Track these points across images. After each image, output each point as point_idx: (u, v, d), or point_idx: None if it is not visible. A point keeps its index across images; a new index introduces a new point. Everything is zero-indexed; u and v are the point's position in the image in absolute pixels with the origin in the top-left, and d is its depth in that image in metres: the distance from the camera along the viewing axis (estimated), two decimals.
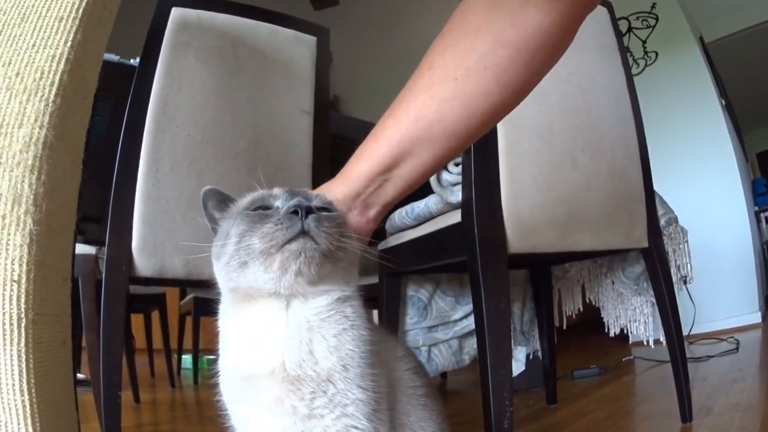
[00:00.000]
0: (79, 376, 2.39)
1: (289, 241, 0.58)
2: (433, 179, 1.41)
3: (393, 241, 1.65)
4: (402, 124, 0.70)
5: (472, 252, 1.10)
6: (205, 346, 3.49)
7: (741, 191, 3.90)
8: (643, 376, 2.53)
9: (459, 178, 1.29)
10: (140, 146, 1.15)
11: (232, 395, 0.65)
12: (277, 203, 0.63)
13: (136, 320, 3.12)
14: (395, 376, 0.71)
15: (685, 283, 2.07)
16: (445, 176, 1.40)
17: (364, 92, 6.55)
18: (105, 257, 1.10)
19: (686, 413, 1.45)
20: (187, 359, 3.70)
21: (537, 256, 1.23)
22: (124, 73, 1.18)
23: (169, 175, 1.18)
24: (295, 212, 0.58)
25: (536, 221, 1.19)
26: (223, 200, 0.68)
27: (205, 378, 3.44)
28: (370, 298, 2.62)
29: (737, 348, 2.64)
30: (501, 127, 1.18)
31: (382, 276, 1.79)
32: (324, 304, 0.61)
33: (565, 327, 2.11)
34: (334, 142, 1.61)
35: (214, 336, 0.66)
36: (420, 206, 1.51)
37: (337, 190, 0.71)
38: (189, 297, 3.10)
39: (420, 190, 1.45)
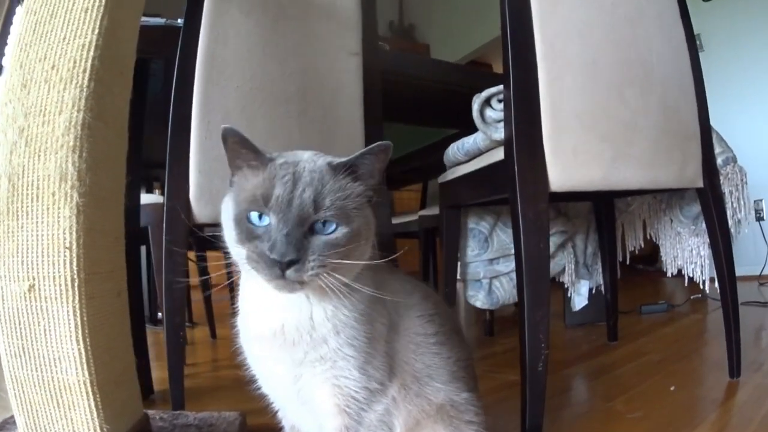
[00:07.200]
0: (159, 315, 2.60)
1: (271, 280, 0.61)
2: (476, 116, 1.39)
3: (450, 174, 1.68)
4: None
5: (513, 191, 1.09)
6: None
7: None
8: (711, 315, 2.43)
9: (502, 115, 1.27)
10: (191, 100, 1.20)
11: (246, 348, 0.75)
12: (268, 221, 0.63)
13: (218, 257, 3.29)
14: (401, 323, 0.74)
15: (759, 219, 1.94)
16: (489, 113, 1.38)
17: (441, 17, 6.26)
18: (164, 207, 1.20)
19: (734, 367, 1.36)
20: None
21: (582, 193, 1.19)
22: (173, 33, 1.22)
23: (221, 124, 1.24)
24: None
25: (579, 159, 1.14)
26: (242, 142, 0.72)
27: None
28: (433, 228, 2.62)
29: None
30: (541, 62, 1.12)
31: (442, 208, 1.84)
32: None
33: (627, 262, 2.06)
34: (387, 79, 1.60)
35: None
36: (469, 141, 1.51)
37: None
38: None
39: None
